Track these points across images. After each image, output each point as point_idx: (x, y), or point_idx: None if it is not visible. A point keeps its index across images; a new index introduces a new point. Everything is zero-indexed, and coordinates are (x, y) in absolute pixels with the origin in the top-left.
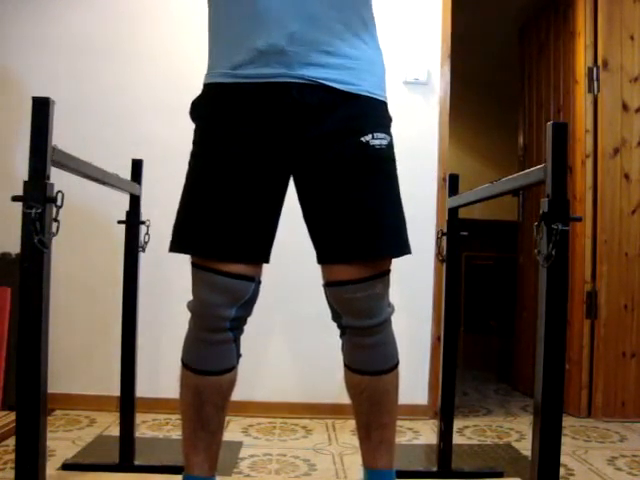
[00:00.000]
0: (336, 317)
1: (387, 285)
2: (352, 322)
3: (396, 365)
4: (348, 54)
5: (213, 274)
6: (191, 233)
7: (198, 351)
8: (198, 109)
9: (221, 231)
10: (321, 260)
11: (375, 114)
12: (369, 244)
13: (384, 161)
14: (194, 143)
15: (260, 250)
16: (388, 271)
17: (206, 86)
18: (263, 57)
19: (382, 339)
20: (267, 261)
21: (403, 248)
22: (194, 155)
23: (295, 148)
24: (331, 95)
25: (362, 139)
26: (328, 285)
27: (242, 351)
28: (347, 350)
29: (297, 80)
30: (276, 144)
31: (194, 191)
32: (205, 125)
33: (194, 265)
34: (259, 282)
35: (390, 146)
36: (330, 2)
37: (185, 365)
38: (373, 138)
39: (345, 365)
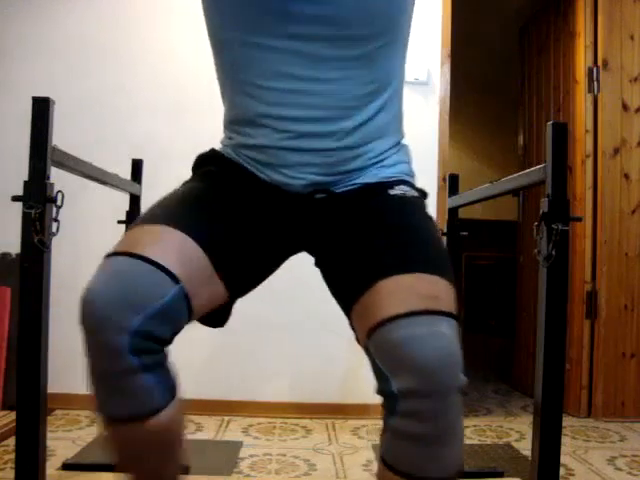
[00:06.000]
0: (382, 383)
1: (456, 334)
2: (407, 384)
3: (460, 473)
4: None
5: (121, 257)
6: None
7: (97, 384)
8: (208, 163)
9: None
10: (358, 291)
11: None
12: (424, 258)
13: (415, 204)
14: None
15: (225, 261)
16: (455, 316)
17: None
18: None
19: (450, 424)
20: (233, 291)
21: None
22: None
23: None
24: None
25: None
26: (373, 330)
27: (242, 351)
28: (392, 438)
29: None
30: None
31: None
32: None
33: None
34: (186, 296)
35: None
36: None
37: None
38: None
39: (383, 461)
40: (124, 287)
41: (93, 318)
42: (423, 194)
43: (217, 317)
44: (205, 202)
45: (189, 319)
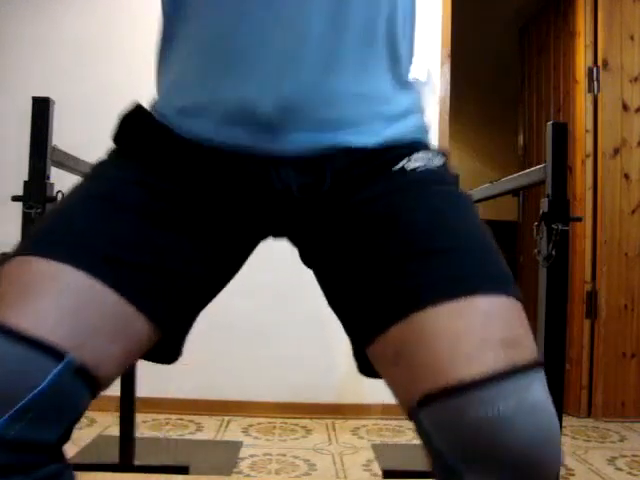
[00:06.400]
0: (449, 477)
1: (548, 392)
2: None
3: None
4: None
5: None
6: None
7: None
8: (132, 134)
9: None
10: (381, 321)
11: None
12: (481, 269)
13: (443, 180)
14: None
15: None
16: (542, 363)
17: None
18: None
19: None
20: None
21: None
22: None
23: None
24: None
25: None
26: (431, 398)
27: (242, 351)
28: None
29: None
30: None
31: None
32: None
33: None
34: (81, 369)
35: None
36: None
37: None
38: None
39: None
40: None
41: None
42: (444, 155)
43: (165, 352)
44: (122, 203)
45: (94, 394)
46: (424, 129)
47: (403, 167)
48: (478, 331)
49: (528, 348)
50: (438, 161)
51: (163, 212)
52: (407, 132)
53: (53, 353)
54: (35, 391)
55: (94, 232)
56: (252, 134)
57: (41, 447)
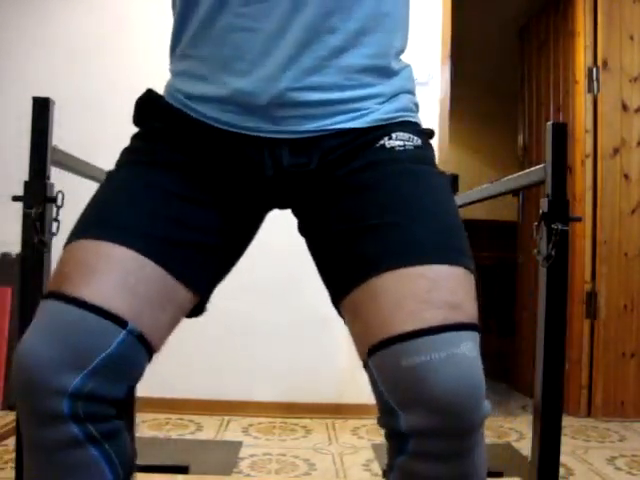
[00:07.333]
0: (388, 416)
1: (478, 350)
2: (422, 421)
3: None
4: None
5: (53, 301)
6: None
7: (31, 458)
8: (150, 115)
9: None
10: (348, 282)
11: None
12: (436, 239)
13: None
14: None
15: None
16: (477, 326)
17: None
18: None
19: (474, 465)
20: (202, 295)
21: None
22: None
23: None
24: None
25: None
26: (376, 348)
27: (242, 351)
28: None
29: None
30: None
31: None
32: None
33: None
34: (140, 336)
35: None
36: None
37: None
38: (391, 139)
39: None
40: (58, 342)
41: (25, 380)
42: (428, 135)
43: (194, 309)
44: (153, 183)
45: (151, 356)
46: (413, 109)
47: (383, 144)
48: (422, 294)
49: (466, 312)
50: (417, 141)
51: (189, 189)
52: (397, 113)
53: (118, 322)
54: (104, 353)
55: (135, 213)
56: (250, 119)
57: (111, 401)
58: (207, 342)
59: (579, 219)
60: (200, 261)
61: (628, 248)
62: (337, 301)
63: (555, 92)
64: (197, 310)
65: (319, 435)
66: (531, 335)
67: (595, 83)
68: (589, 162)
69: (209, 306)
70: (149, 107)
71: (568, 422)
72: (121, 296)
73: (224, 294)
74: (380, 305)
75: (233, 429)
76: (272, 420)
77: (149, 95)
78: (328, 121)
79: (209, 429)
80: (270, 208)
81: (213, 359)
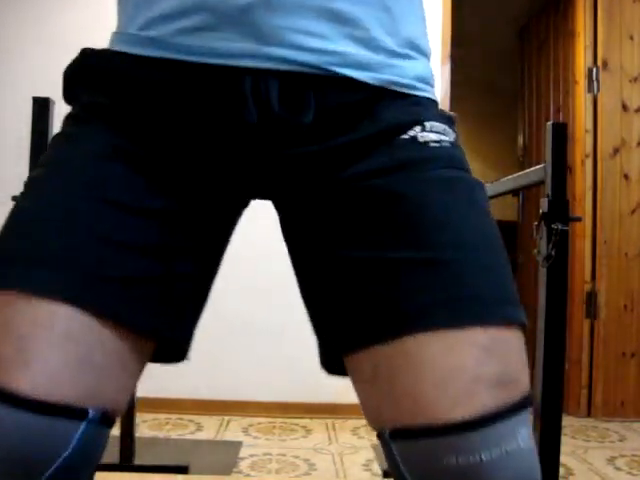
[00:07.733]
0: None
1: (531, 435)
2: None
3: None
4: None
5: None
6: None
7: None
8: (85, 83)
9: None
10: (381, 335)
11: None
12: (483, 292)
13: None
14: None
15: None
16: (530, 400)
17: (112, 54)
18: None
19: None
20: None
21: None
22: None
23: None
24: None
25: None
26: (410, 433)
27: (242, 351)
28: None
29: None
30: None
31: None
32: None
33: None
34: (103, 415)
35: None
36: None
37: None
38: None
39: None
40: (1, 461)
41: None
42: (451, 121)
43: (173, 353)
44: (92, 192)
45: (113, 425)
46: (431, 82)
47: (415, 137)
48: (471, 368)
49: (521, 385)
50: (452, 136)
51: (140, 192)
52: (414, 79)
53: (74, 415)
54: (60, 459)
55: (71, 242)
56: (224, 36)
57: None
58: (207, 342)
59: (579, 219)
60: (164, 299)
61: (628, 248)
62: (340, 352)
63: (555, 92)
64: (178, 355)
65: (319, 435)
66: (531, 335)
67: (595, 83)
68: (589, 162)
69: (209, 306)
70: (85, 73)
71: (568, 422)
72: (72, 375)
73: (224, 294)
74: (419, 377)
75: (233, 429)
76: (272, 420)
77: (84, 57)
78: (339, 47)
79: (209, 429)
80: (248, 195)
81: (213, 359)
